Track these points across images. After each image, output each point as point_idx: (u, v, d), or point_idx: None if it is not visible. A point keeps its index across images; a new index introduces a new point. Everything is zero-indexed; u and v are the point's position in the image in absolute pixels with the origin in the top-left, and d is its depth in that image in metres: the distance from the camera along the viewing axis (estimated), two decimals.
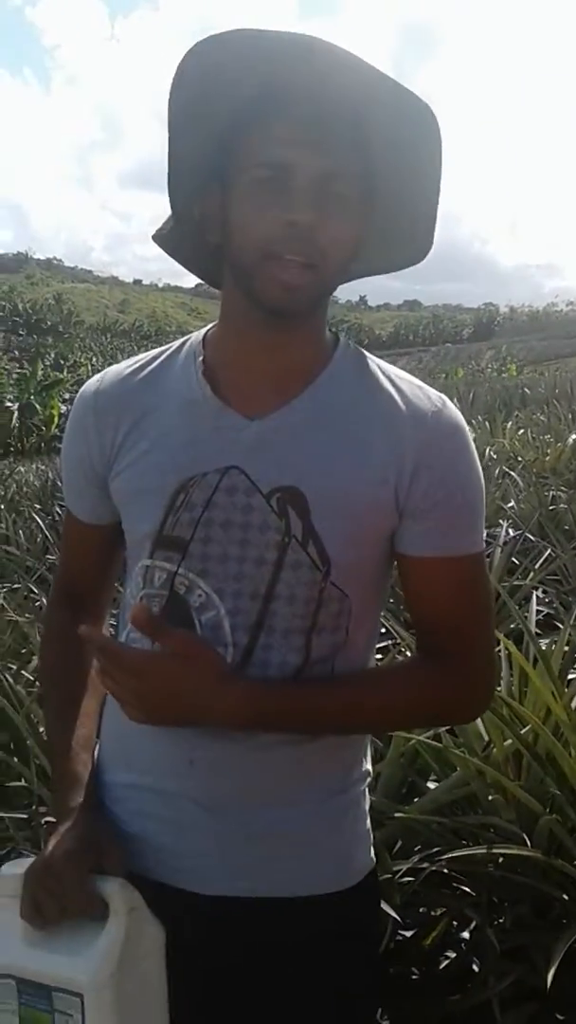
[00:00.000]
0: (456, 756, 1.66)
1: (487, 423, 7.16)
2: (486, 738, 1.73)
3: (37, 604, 3.24)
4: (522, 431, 6.84)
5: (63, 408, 18.88)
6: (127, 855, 0.90)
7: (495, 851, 1.52)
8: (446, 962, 1.58)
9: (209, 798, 0.92)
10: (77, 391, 1.28)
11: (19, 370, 25.52)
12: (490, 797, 1.62)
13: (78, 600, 1.06)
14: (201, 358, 0.94)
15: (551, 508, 3.90)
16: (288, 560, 0.88)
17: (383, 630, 2.19)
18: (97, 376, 1.01)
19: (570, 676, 1.97)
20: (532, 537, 3.43)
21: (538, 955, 1.43)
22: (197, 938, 0.92)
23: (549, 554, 3.18)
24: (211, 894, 0.92)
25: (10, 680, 2.28)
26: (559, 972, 1.30)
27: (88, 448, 0.97)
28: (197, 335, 0.98)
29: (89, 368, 29.91)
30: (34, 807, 1.86)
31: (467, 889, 1.61)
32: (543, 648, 1.88)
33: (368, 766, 1.02)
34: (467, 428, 0.94)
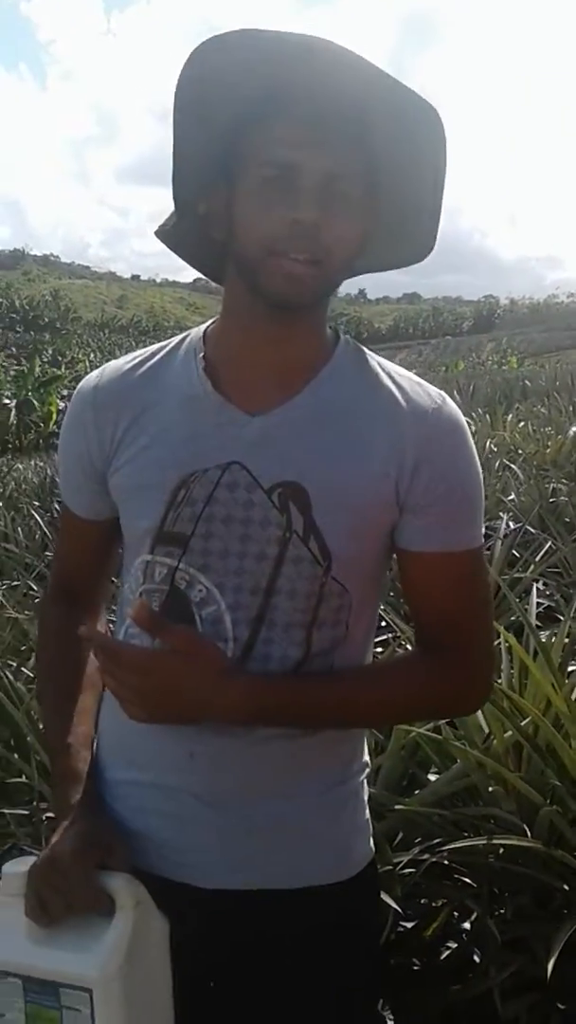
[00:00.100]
0: (456, 748, 1.66)
1: (487, 416, 7.15)
2: (486, 730, 1.73)
3: (36, 601, 3.24)
4: (523, 423, 6.82)
5: (61, 405, 18.84)
6: (131, 851, 0.90)
7: (496, 842, 1.52)
8: (447, 953, 1.58)
9: (210, 792, 0.92)
10: (75, 387, 1.27)
11: (16, 367, 25.49)
12: (490, 789, 1.62)
13: (74, 596, 1.07)
14: (202, 354, 0.94)
15: (551, 500, 3.89)
16: (289, 555, 0.88)
17: (383, 623, 2.19)
18: (96, 372, 1.01)
19: (570, 668, 1.97)
20: (532, 530, 3.43)
21: (539, 945, 1.43)
22: (199, 931, 0.92)
23: (549, 547, 3.18)
24: (213, 887, 0.93)
25: (10, 677, 2.28)
26: (559, 962, 1.31)
27: (87, 444, 0.97)
28: (197, 331, 0.98)
29: (87, 364, 29.87)
30: (35, 803, 1.87)
31: (468, 880, 1.61)
32: (543, 640, 1.88)
33: (366, 758, 1.03)
34: (466, 425, 0.94)
